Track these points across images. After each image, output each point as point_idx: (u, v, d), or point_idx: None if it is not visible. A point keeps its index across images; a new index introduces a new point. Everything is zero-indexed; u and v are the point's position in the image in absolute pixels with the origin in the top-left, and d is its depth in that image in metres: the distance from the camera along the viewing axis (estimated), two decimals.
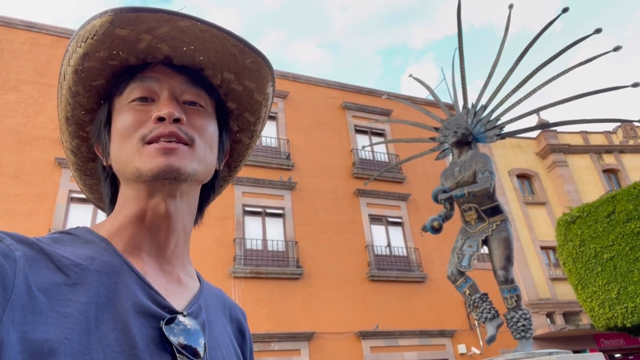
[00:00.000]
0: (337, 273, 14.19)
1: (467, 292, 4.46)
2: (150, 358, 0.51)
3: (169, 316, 0.56)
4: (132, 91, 0.66)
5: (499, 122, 4.83)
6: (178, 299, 0.62)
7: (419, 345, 14.31)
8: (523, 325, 4.16)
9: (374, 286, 14.61)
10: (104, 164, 0.69)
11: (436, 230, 4.53)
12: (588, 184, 19.01)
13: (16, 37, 13.55)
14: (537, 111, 4.56)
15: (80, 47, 0.63)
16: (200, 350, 0.57)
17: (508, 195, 18.31)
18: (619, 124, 20.92)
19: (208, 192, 0.78)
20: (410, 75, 5.87)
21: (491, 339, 4.23)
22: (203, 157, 0.66)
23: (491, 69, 4.95)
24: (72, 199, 11.95)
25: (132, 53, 0.66)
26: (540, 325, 15.99)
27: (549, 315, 16.57)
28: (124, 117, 0.65)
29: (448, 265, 4.61)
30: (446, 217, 4.73)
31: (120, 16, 0.59)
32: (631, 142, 20.66)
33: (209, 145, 0.67)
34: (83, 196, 12.35)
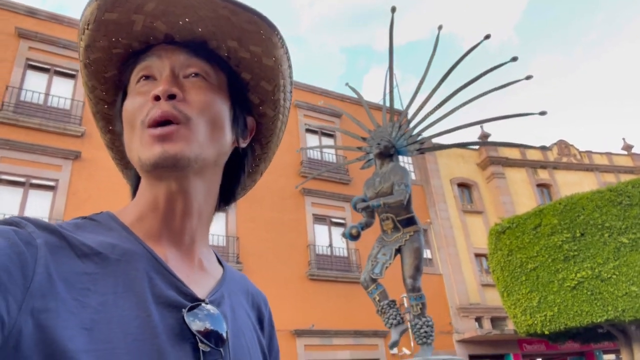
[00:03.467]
0: (277, 271, 14.28)
1: (377, 298, 4.68)
2: (172, 348, 0.51)
3: (190, 304, 0.55)
4: (137, 74, 0.65)
5: (420, 138, 5.08)
6: (200, 286, 0.61)
7: (353, 344, 14.65)
8: (425, 332, 4.41)
9: (314, 285, 14.81)
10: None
11: (354, 237, 4.71)
12: (522, 197, 20.03)
13: None
14: (455, 130, 4.85)
15: (82, 40, 0.63)
16: (225, 337, 0.57)
17: (448, 203, 19.00)
18: (554, 141, 22.13)
19: (236, 172, 0.74)
20: (347, 84, 6.06)
21: (394, 344, 4.45)
22: (205, 137, 0.62)
23: (418, 85, 5.20)
24: None
25: (131, 37, 0.64)
26: (469, 328, 16.72)
27: (478, 319, 17.35)
28: (128, 101, 0.63)
29: (362, 272, 4.80)
30: (366, 225, 4.92)
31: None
32: (564, 160, 21.93)
33: (213, 123, 0.63)
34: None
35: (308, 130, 17.41)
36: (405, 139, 5.03)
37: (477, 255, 18.48)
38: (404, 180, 4.65)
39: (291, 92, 0.75)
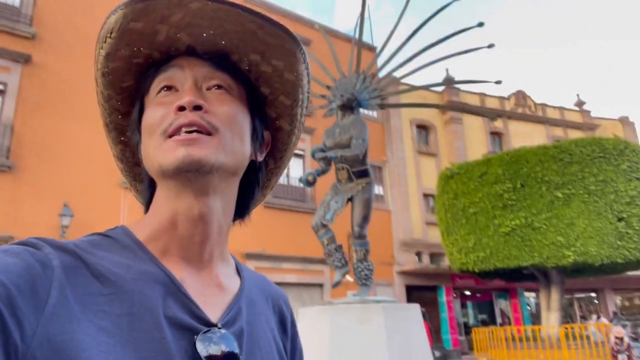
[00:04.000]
0: None
1: (326, 242, 5.06)
2: None
3: (204, 329, 0.56)
4: (158, 84, 0.64)
5: (382, 93, 5.25)
6: (216, 307, 0.61)
7: (301, 269, 15.54)
8: (365, 274, 4.87)
9: (268, 212, 15.29)
10: (142, 165, 0.67)
11: (310, 183, 4.96)
12: (475, 143, 20.83)
13: None
14: (415, 89, 5.05)
15: (102, 48, 0.63)
16: (239, 356, 0.58)
17: (405, 143, 19.54)
18: (513, 91, 22.72)
19: (251, 186, 0.73)
20: (316, 25, 6.00)
21: (336, 284, 4.91)
22: (231, 147, 0.62)
23: (385, 41, 5.28)
24: None
25: (153, 47, 0.64)
26: (409, 261, 17.98)
27: (418, 254, 18.63)
28: (149, 111, 0.63)
29: (314, 216, 5.14)
30: (322, 172, 5.16)
31: (132, 8, 0.58)
32: (520, 110, 22.71)
33: (237, 134, 0.63)
34: None
35: None
36: (368, 93, 5.18)
37: (426, 195, 19.43)
38: (361, 135, 4.85)
39: (307, 107, 0.75)
